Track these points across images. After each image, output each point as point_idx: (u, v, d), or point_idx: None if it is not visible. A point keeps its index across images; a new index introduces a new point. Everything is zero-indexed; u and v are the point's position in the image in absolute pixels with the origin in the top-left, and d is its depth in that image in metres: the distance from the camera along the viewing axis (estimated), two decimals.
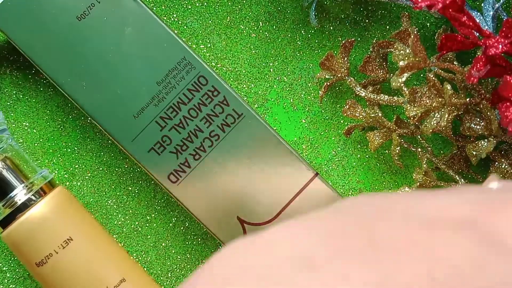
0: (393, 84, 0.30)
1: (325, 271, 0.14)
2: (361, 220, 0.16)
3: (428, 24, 0.36)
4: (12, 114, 0.35)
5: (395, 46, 0.30)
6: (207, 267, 0.16)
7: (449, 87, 0.30)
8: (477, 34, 0.29)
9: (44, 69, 0.32)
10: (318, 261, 0.15)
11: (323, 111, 0.36)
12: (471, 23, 0.28)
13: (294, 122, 0.36)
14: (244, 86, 0.36)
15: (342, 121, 0.36)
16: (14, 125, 0.35)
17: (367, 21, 0.36)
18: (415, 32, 0.30)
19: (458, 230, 0.16)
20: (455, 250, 0.15)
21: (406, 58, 0.30)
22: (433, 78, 0.30)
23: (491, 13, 0.31)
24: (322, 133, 0.36)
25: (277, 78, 0.36)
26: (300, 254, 0.15)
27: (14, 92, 0.35)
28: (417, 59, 0.30)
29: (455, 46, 0.28)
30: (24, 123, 0.35)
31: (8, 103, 0.35)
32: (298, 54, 0.36)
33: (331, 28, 0.36)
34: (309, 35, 0.36)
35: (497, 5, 0.31)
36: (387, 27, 0.36)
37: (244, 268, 0.15)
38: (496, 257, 0.15)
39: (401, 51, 0.30)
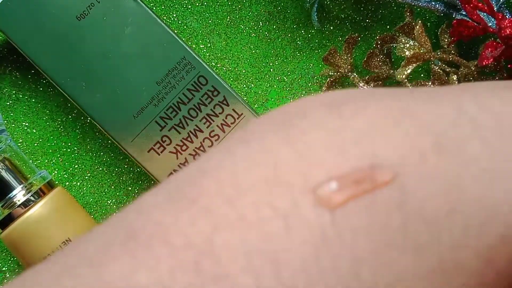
0: (398, 76, 0.30)
1: (345, 107, 0.16)
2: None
3: (428, 24, 0.35)
4: (11, 114, 0.35)
5: (399, 39, 0.30)
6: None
7: (455, 77, 0.30)
8: (488, 21, 0.30)
9: (43, 69, 0.32)
10: (339, 101, 0.16)
11: None
12: (485, 7, 0.28)
13: None
14: (244, 86, 0.36)
15: None
16: (13, 125, 0.35)
17: (367, 20, 0.36)
18: (420, 23, 0.30)
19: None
20: (489, 93, 0.17)
21: (411, 49, 0.30)
22: (438, 70, 0.30)
23: (495, 9, 0.31)
24: None
25: (277, 78, 0.36)
26: (325, 99, 0.17)
27: (14, 92, 0.35)
28: (422, 50, 0.30)
29: (466, 32, 0.29)
30: (24, 123, 0.35)
31: (8, 103, 0.35)
32: (298, 54, 0.36)
33: (332, 28, 0.36)
34: (309, 35, 0.36)
35: (501, 0, 0.31)
36: (388, 26, 0.36)
37: (281, 112, 0.17)
38: None
39: (406, 44, 0.30)
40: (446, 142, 0.15)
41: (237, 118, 0.32)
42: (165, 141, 0.32)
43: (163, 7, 0.35)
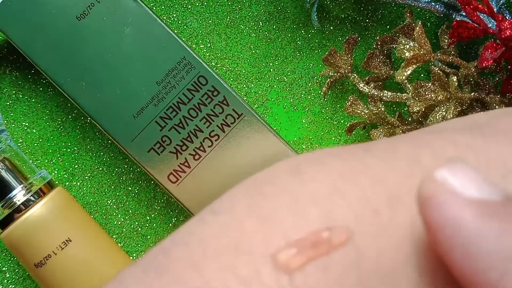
0: (398, 77, 0.30)
1: (307, 174, 0.17)
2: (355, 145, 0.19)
3: (429, 24, 0.35)
4: (11, 114, 0.35)
5: (399, 40, 0.30)
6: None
7: (454, 79, 0.30)
8: (488, 21, 0.29)
9: (43, 69, 0.31)
10: (303, 165, 0.17)
11: (323, 111, 0.36)
12: (485, 8, 0.28)
13: (294, 122, 0.36)
14: (244, 86, 0.36)
15: (342, 121, 0.36)
16: (13, 125, 0.35)
17: (367, 20, 0.36)
18: (420, 25, 0.30)
19: (459, 130, 0.18)
20: (447, 142, 0.17)
21: (411, 50, 0.30)
22: (438, 71, 0.30)
23: (495, 9, 0.31)
24: (322, 133, 0.36)
25: (277, 78, 0.36)
26: (291, 163, 0.18)
27: (14, 92, 0.35)
28: (422, 51, 0.30)
29: (466, 33, 0.28)
30: (24, 123, 0.35)
31: (8, 103, 0.35)
32: (298, 54, 0.36)
33: (332, 28, 0.36)
34: (309, 35, 0.36)
35: (501, 1, 0.31)
36: (387, 26, 0.36)
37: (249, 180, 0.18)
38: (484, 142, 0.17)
39: (406, 45, 0.30)
40: (399, 195, 0.16)
41: (237, 118, 0.32)
42: (165, 141, 0.32)
43: (163, 7, 0.35)
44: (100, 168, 0.35)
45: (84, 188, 0.35)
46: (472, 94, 0.31)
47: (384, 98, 0.33)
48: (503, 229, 0.14)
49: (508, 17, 0.32)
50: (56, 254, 0.31)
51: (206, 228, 0.17)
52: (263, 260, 0.15)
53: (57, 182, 0.35)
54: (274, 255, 0.15)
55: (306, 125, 0.36)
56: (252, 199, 0.17)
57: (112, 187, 0.35)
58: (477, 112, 0.31)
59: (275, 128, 0.35)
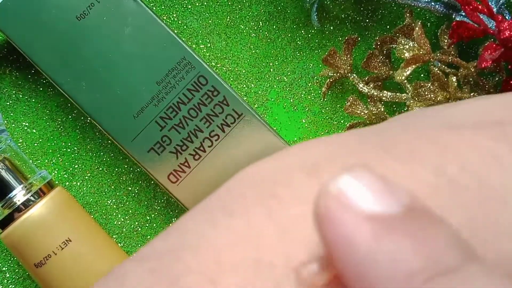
0: (398, 77, 0.30)
1: (326, 173, 0.16)
2: (376, 129, 0.17)
3: (428, 24, 0.36)
4: (11, 114, 0.35)
5: (398, 41, 0.30)
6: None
7: (454, 79, 0.30)
8: (488, 22, 0.29)
9: (43, 69, 0.31)
10: (321, 165, 0.16)
11: (323, 111, 0.36)
12: (484, 9, 0.28)
13: (294, 122, 0.36)
14: (244, 86, 0.36)
15: (342, 121, 0.36)
16: (13, 125, 0.35)
17: (367, 21, 0.36)
18: (420, 25, 0.30)
19: (480, 130, 0.17)
20: (470, 148, 0.16)
21: (411, 51, 0.30)
22: (437, 71, 0.30)
23: (495, 10, 0.31)
24: (322, 133, 0.36)
25: (277, 78, 0.36)
26: (307, 161, 0.16)
27: (14, 92, 0.35)
28: (421, 51, 0.30)
29: (466, 33, 0.28)
30: (24, 123, 0.35)
31: (8, 103, 0.35)
32: (298, 54, 0.36)
33: (332, 28, 0.36)
34: (309, 35, 0.36)
35: (501, 1, 0.31)
36: (387, 26, 0.36)
37: (262, 174, 0.17)
38: None
39: (405, 45, 0.30)
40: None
41: (237, 118, 0.32)
42: (165, 141, 0.32)
43: (163, 7, 0.35)
44: (100, 168, 0.35)
45: (84, 188, 0.35)
46: (472, 94, 0.31)
47: (383, 98, 0.33)
48: (399, 248, 0.12)
49: (508, 18, 0.32)
50: (56, 254, 0.31)
51: (219, 232, 0.16)
52: (285, 274, 0.14)
53: (57, 182, 0.35)
54: (296, 269, 0.14)
55: (306, 125, 0.36)
56: (268, 203, 0.16)
57: (112, 187, 0.35)
58: None
59: (275, 128, 0.35)
